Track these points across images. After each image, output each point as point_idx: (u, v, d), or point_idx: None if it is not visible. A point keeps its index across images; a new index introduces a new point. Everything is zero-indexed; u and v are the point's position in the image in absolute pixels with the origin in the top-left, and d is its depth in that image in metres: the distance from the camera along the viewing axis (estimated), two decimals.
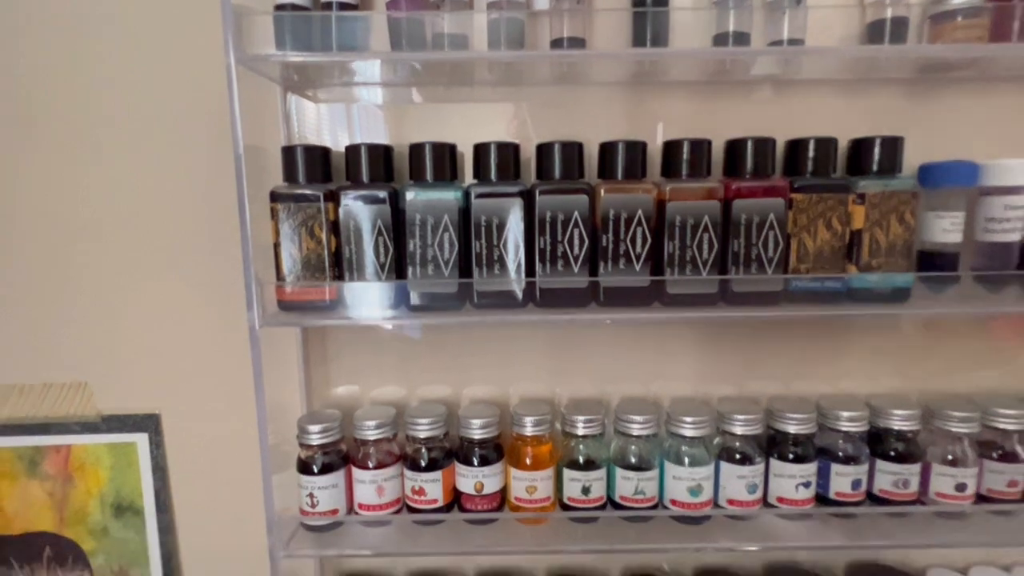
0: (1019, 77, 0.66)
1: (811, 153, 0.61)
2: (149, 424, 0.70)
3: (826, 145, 0.61)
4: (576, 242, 0.59)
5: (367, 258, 0.59)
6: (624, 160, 0.60)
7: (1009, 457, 0.65)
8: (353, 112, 0.68)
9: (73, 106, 0.67)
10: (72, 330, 0.70)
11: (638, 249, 0.59)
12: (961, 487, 0.65)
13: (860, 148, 0.61)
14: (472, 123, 0.68)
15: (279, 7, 0.59)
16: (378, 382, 0.72)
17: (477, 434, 0.65)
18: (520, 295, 0.59)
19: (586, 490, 0.65)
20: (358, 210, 0.59)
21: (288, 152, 0.60)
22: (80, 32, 0.66)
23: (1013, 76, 0.66)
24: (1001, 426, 0.65)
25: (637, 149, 0.60)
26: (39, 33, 0.66)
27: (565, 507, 0.66)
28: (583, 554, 0.73)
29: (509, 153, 0.61)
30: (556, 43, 0.60)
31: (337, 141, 0.68)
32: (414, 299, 0.60)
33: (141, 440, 0.70)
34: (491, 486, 0.65)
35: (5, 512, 0.71)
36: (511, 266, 0.59)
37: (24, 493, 0.71)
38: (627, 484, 0.65)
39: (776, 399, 0.70)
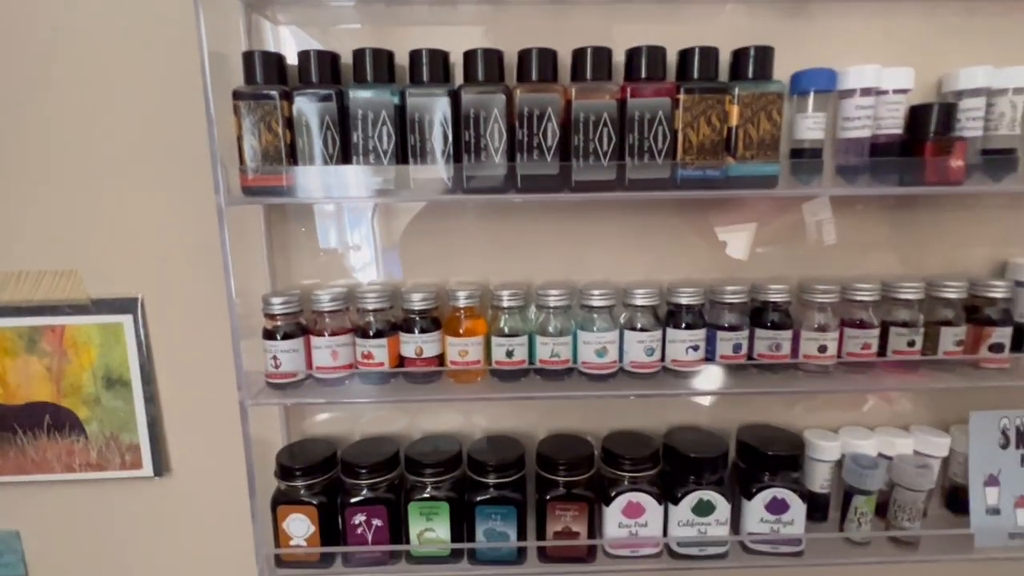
0: None
1: (696, 60, 0.71)
2: (132, 306, 0.80)
3: (708, 53, 0.71)
4: (496, 136, 0.69)
5: (316, 149, 0.69)
6: (538, 65, 0.70)
7: (864, 325, 0.78)
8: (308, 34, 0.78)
9: (54, 22, 0.76)
10: (62, 222, 0.80)
11: (548, 142, 0.70)
12: (823, 348, 0.77)
13: (738, 57, 0.72)
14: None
15: None
16: (332, 272, 0.83)
17: (417, 306, 0.76)
18: (448, 182, 0.70)
19: (510, 353, 0.76)
20: (308, 107, 0.69)
21: (248, 56, 0.70)
22: None
23: None
24: (858, 299, 0.78)
25: (548, 56, 0.70)
26: None
27: (494, 370, 0.78)
28: (509, 400, 0.85)
29: (439, 59, 0.71)
30: None
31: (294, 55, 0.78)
32: (358, 187, 0.70)
33: (127, 320, 0.81)
34: (430, 351, 0.76)
35: (8, 384, 0.81)
36: (439, 157, 0.70)
37: (24, 367, 0.81)
38: (545, 348, 0.77)
39: (674, 281, 0.82)
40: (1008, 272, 0.82)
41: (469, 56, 0.70)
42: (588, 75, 0.70)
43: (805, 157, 0.74)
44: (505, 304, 0.76)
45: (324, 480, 0.78)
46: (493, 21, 0.77)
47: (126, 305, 0.80)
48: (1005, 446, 0.82)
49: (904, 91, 0.72)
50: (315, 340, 0.76)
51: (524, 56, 0.70)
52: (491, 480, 0.78)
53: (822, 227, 0.83)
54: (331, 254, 0.83)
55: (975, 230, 0.83)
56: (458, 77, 0.73)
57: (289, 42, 0.78)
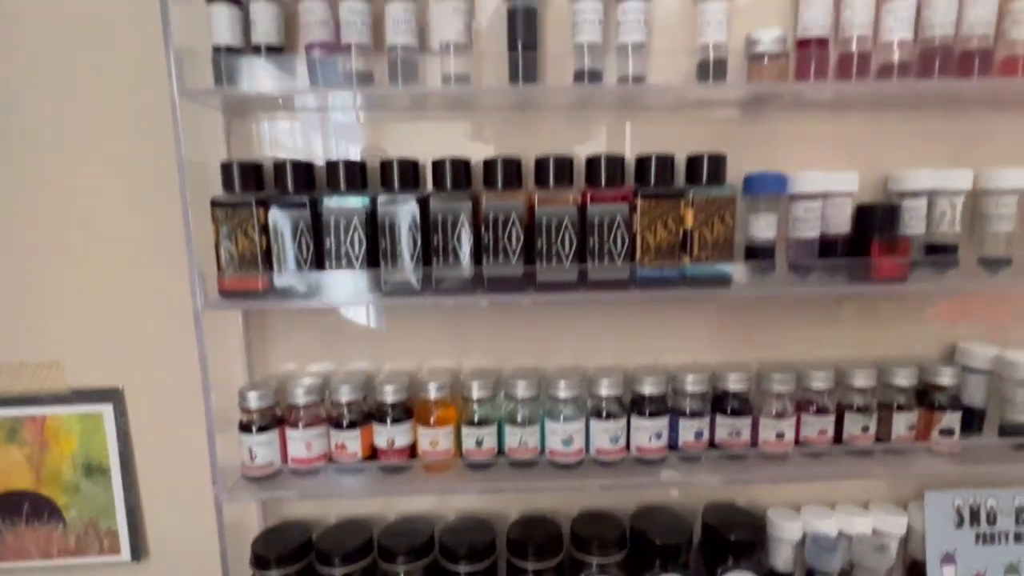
0: (822, 104, 0.81)
1: (653, 166, 0.75)
2: (113, 396, 0.83)
3: (665, 160, 0.75)
4: (463, 240, 0.73)
5: (290, 254, 0.72)
6: (502, 173, 0.74)
7: (821, 411, 0.81)
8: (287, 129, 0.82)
9: (42, 123, 0.79)
10: (45, 316, 0.82)
11: (513, 245, 0.73)
12: (781, 435, 0.80)
13: (692, 162, 0.76)
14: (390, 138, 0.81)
15: (216, 49, 0.71)
16: (309, 358, 0.85)
17: (390, 398, 0.79)
18: (417, 285, 0.73)
19: (479, 443, 0.79)
20: (283, 215, 0.72)
21: (225, 167, 0.73)
22: (42, 60, 0.78)
23: (818, 104, 0.81)
24: (814, 386, 0.81)
25: (512, 164, 0.74)
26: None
27: (464, 459, 0.80)
28: (480, 493, 0.87)
29: (408, 167, 0.74)
30: (446, 80, 0.74)
31: (276, 154, 0.81)
32: (331, 290, 0.73)
33: (107, 410, 0.83)
34: (401, 441, 0.79)
35: None
36: (408, 260, 0.73)
37: (5, 457, 0.83)
38: (513, 438, 0.79)
39: (638, 367, 0.85)
40: (956, 356, 0.86)
41: (437, 165, 0.74)
42: (551, 182, 0.74)
43: (759, 255, 0.78)
44: (475, 395, 0.79)
45: (298, 569, 0.80)
46: (469, 127, 0.81)
47: (107, 395, 0.82)
48: (960, 524, 0.85)
49: (850, 193, 0.77)
50: (290, 431, 0.78)
51: (489, 164, 0.74)
52: (462, 568, 0.79)
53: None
54: (307, 337, 0.86)
55: (924, 315, 0.87)
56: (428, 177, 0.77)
57: (267, 141, 0.82)
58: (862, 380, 0.80)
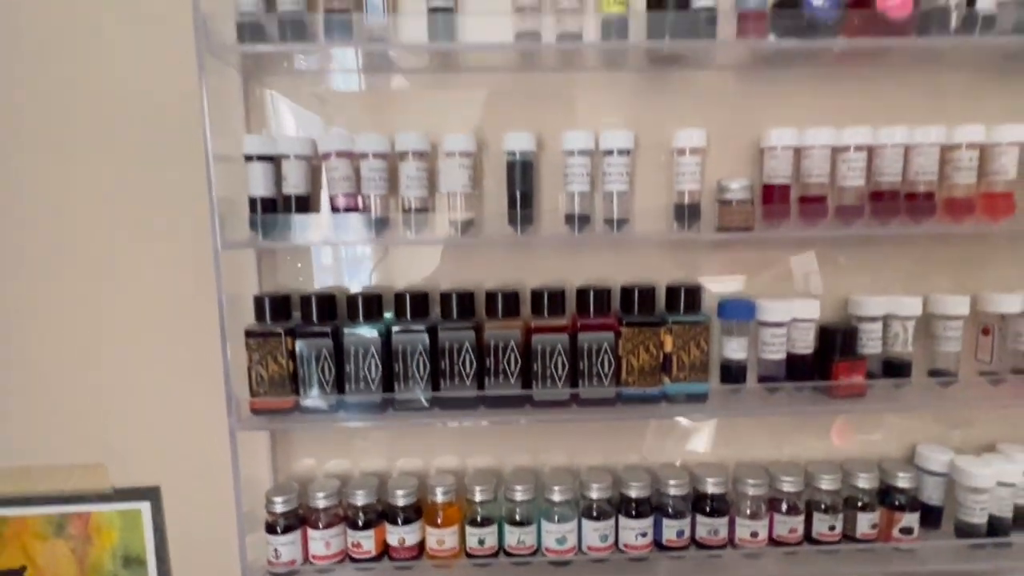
0: (780, 241, 0.90)
1: (636, 296, 0.85)
2: (151, 495, 0.91)
3: (646, 291, 0.85)
4: (467, 364, 0.82)
5: (314, 378, 0.82)
6: (502, 304, 0.84)
7: (791, 511, 0.89)
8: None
9: (97, 258, 0.89)
10: (93, 421, 0.91)
11: (512, 367, 0.82)
12: (755, 534, 0.88)
13: (671, 292, 0.85)
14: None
15: (252, 200, 0.81)
16: (328, 456, 0.94)
17: (401, 501, 0.87)
18: (426, 403, 0.82)
19: (481, 541, 0.87)
20: (308, 344, 0.81)
21: (258, 300, 0.83)
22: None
23: (778, 241, 0.91)
24: (785, 489, 0.89)
25: (511, 296, 0.84)
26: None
27: (468, 555, 0.89)
28: None
29: (420, 299, 0.84)
30: (453, 224, 0.84)
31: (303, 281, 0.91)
32: (350, 410, 0.83)
33: (145, 507, 0.91)
34: (411, 540, 0.87)
35: (38, 566, 0.91)
36: (420, 382, 0.82)
37: (52, 551, 0.91)
38: (512, 536, 0.88)
39: (625, 469, 0.93)
40: (915, 458, 0.94)
41: (445, 296, 0.84)
42: (545, 311, 0.84)
43: (732, 372, 0.87)
44: (477, 498, 0.87)
45: None
46: (467, 257, 0.91)
47: (145, 494, 0.91)
48: None
49: (812, 319, 0.86)
50: (311, 532, 0.86)
51: (491, 295, 0.84)
52: None
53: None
54: (327, 439, 0.95)
55: (883, 420, 0.96)
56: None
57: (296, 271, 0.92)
58: (828, 483, 0.89)
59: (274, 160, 0.81)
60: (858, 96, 0.87)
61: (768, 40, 0.79)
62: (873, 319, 0.87)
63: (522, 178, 0.83)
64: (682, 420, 0.95)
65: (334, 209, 0.82)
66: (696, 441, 0.95)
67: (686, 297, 0.85)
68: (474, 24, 0.80)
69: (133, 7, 0.85)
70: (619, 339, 0.83)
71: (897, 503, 0.90)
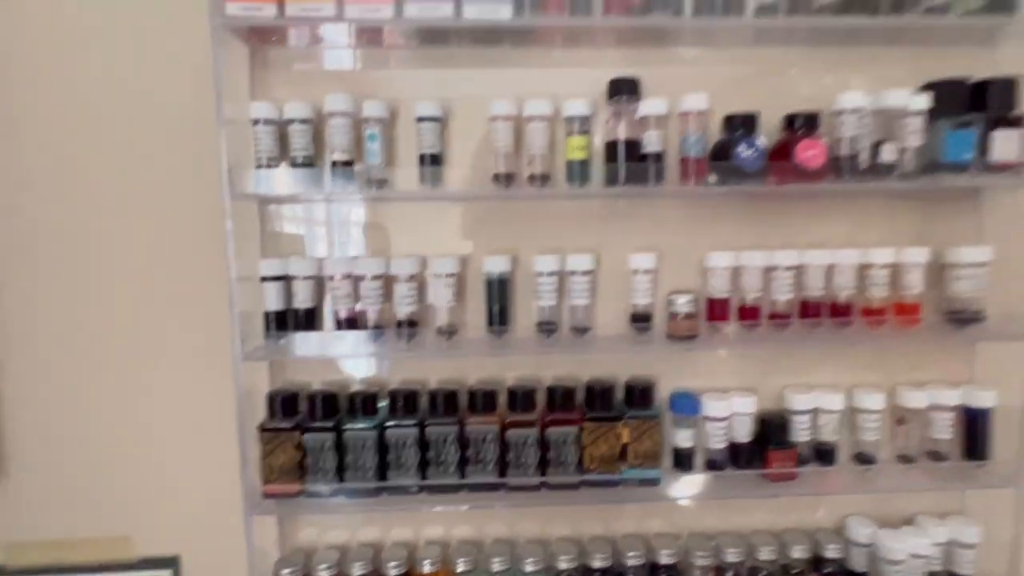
0: (729, 343, 1.03)
1: (598, 394, 0.98)
2: (172, 563, 1.03)
3: (606, 388, 0.98)
4: (451, 453, 0.95)
5: (319, 467, 0.94)
6: (482, 401, 0.97)
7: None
8: None
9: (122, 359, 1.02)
10: (120, 497, 1.03)
11: (490, 457, 0.95)
12: None
13: (628, 389, 0.99)
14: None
15: (266, 313, 0.94)
16: (330, 527, 1.06)
17: (392, 572, 0.99)
18: (415, 490, 0.95)
19: None
20: (314, 439, 0.94)
21: (270, 398, 0.95)
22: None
23: (726, 343, 1.04)
24: (729, 558, 1.02)
25: (489, 394, 0.97)
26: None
27: None
28: None
29: (411, 398, 0.97)
30: (440, 332, 0.97)
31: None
32: (354, 488, 0.95)
33: (166, 574, 1.03)
34: None
35: None
36: (410, 470, 0.95)
37: None
38: None
39: (589, 540, 1.06)
40: (844, 530, 1.07)
41: (433, 394, 0.97)
42: (519, 407, 0.97)
43: (681, 458, 1.00)
44: (459, 569, 1.00)
45: None
46: (452, 358, 1.04)
47: (167, 562, 1.03)
48: None
49: (749, 413, 0.99)
50: None
51: (472, 394, 0.97)
52: None
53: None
54: (328, 516, 1.07)
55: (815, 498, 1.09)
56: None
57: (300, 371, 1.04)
58: (766, 553, 1.02)
59: (286, 280, 0.95)
60: (787, 223, 1.02)
61: (704, 185, 0.93)
62: (803, 412, 1.00)
63: (499, 294, 0.97)
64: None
65: (337, 321, 0.96)
66: (651, 512, 1.08)
67: (640, 394, 0.98)
68: (458, 162, 0.95)
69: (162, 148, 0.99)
70: (582, 432, 0.96)
71: (828, 571, 1.03)
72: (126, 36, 0.97)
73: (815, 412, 1.01)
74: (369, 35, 0.94)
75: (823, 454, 1.01)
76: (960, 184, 0.95)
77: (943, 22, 0.93)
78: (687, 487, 1.00)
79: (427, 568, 1.00)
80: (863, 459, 1.02)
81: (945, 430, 1.01)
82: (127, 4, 0.96)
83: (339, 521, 1.06)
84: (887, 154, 0.93)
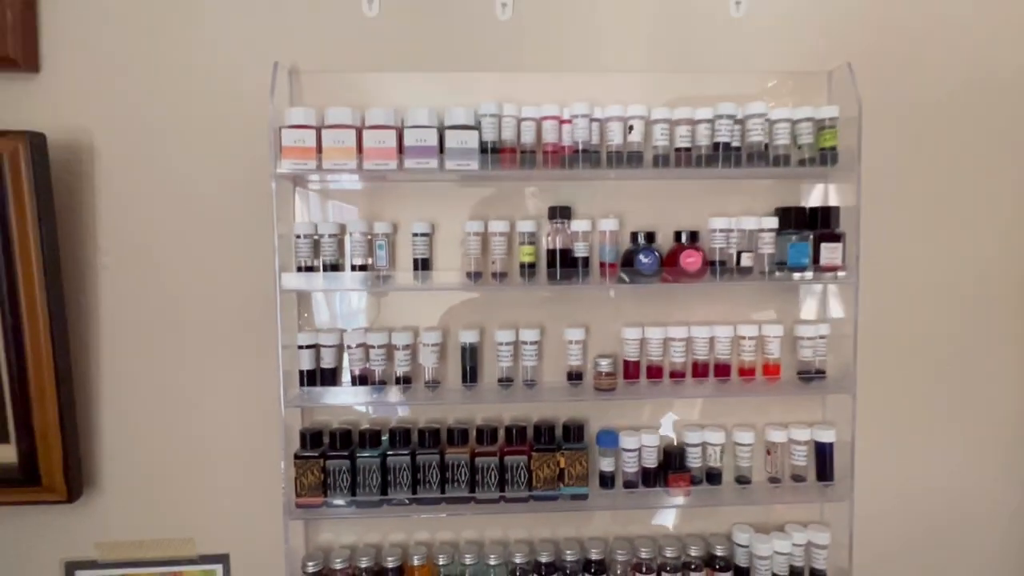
0: (636, 394, 1.39)
1: (543, 431, 1.33)
2: (223, 559, 1.36)
3: (549, 427, 1.33)
4: (435, 476, 1.29)
5: (337, 485, 1.28)
6: (458, 436, 1.31)
7: (647, 571, 1.35)
8: None
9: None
10: (186, 507, 1.37)
11: (463, 478, 1.30)
12: None
13: (565, 428, 1.33)
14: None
15: (300, 372, 1.30)
16: (344, 531, 1.40)
17: (390, 564, 1.32)
18: (407, 502, 1.29)
19: None
20: (333, 464, 1.28)
21: (302, 434, 1.30)
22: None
23: (634, 394, 1.39)
24: (642, 555, 1.35)
25: (462, 431, 1.32)
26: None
27: None
28: None
29: (406, 432, 1.31)
30: (427, 384, 1.33)
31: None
32: (363, 501, 1.29)
33: (219, 568, 1.36)
34: None
35: None
36: (405, 487, 1.29)
37: None
38: None
39: (539, 541, 1.39)
40: (731, 534, 1.41)
41: (422, 431, 1.31)
42: (485, 441, 1.32)
43: (605, 479, 1.35)
44: (441, 563, 1.33)
45: None
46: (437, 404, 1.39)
47: (219, 559, 1.36)
48: None
49: (655, 445, 1.34)
50: None
51: (451, 431, 1.32)
52: None
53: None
54: (343, 520, 1.40)
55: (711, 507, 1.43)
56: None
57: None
58: (671, 551, 1.36)
59: (315, 347, 1.30)
60: (680, 306, 1.39)
61: (617, 281, 1.30)
62: (695, 445, 1.35)
63: (470, 357, 1.33)
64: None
65: (352, 377, 1.31)
66: (584, 520, 1.42)
67: (574, 431, 1.33)
68: (442, 264, 1.32)
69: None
70: (531, 459, 1.31)
71: (717, 566, 1.36)
72: (206, 174, 1.34)
73: (704, 445, 1.36)
74: (381, 177, 1.31)
75: (712, 476, 1.36)
76: (800, 281, 1.32)
77: (784, 172, 1.32)
78: (609, 501, 1.34)
79: (416, 562, 1.33)
80: (741, 480, 1.37)
81: (802, 458, 1.37)
82: (213, 158, 1.33)
83: (351, 526, 1.40)
84: (746, 260, 1.30)
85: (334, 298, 1.38)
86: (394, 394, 1.32)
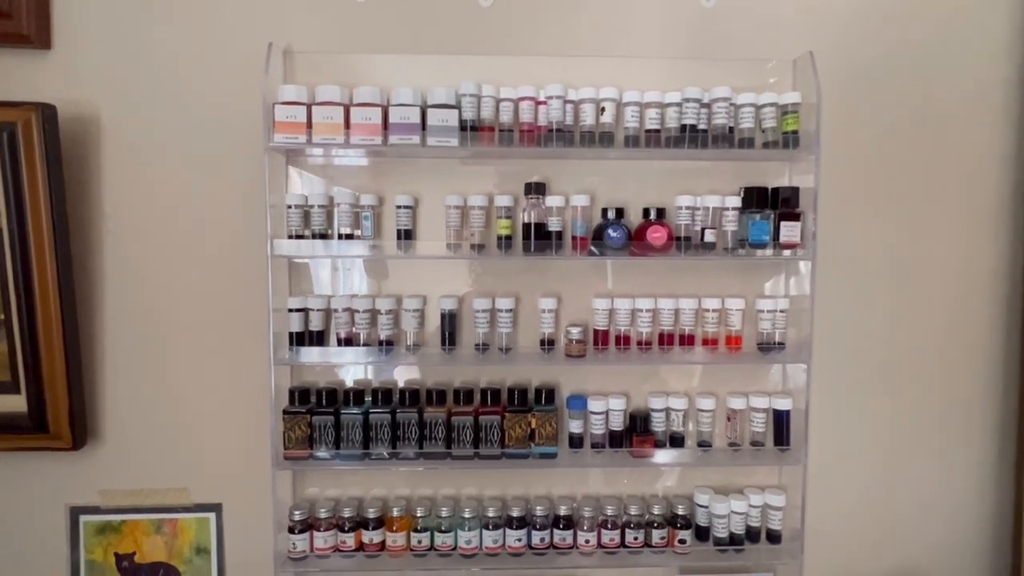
0: (608, 360, 1.47)
1: (516, 395, 1.41)
2: (216, 508, 1.46)
3: (522, 390, 1.41)
4: (413, 433, 1.38)
5: (322, 439, 1.37)
6: (436, 397, 1.40)
7: (612, 527, 1.43)
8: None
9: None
10: (182, 460, 1.46)
11: (440, 436, 1.38)
12: (588, 541, 1.42)
13: (537, 391, 1.42)
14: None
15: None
16: (328, 485, 1.49)
17: (371, 515, 1.41)
18: (387, 457, 1.38)
19: (420, 542, 1.42)
20: (319, 420, 1.37)
21: (291, 391, 1.39)
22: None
23: (606, 361, 1.47)
24: (607, 512, 1.44)
25: (440, 392, 1.40)
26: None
27: (411, 551, 1.43)
28: (416, 570, 1.48)
29: (388, 393, 1.40)
30: (408, 348, 1.41)
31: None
32: (346, 454, 1.38)
33: (212, 516, 1.46)
34: (376, 540, 1.41)
35: (143, 552, 1.45)
36: (384, 443, 1.38)
37: (153, 542, 1.45)
38: (439, 539, 1.42)
39: (512, 498, 1.48)
40: (693, 496, 1.49)
41: (402, 391, 1.40)
42: (461, 403, 1.41)
43: (573, 440, 1.43)
44: (418, 515, 1.42)
45: None
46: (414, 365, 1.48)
47: (212, 507, 1.46)
48: None
49: (623, 410, 1.43)
50: (316, 533, 1.41)
51: (429, 392, 1.41)
52: None
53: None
54: (327, 473, 1.50)
55: (676, 469, 1.52)
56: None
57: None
58: (635, 510, 1.44)
59: (303, 311, 1.39)
60: (647, 280, 1.47)
61: (587, 254, 1.38)
62: (659, 410, 1.44)
63: (449, 324, 1.42)
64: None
65: (338, 339, 1.40)
66: (555, 478, 1.51)
67: (546, 395, 1.42)
68: (426, 232, 1.41)
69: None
70: (504, 419, 1.39)
71: (678, 524, 1.45)
72: (205, 146, 1.43)
73: (667, 410, 1.45)
74: (368, 152, 1.40)
75: (675, 440, 1.45)
76: (761, 257, 1.40)
77: (747, 153, 1.40)
78: (577, 460, 1.43)
79: (396, 513, 1.42)
80: (703, 444, 1.45)
81: (760, 425, 1.45)
82: (211, 131, 1.42)
83: (335, 481, 1.50)
84: (710, 236, 1.38)
85: (322, 265, 1.47)
86: (376, 356, 1.40)
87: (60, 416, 1.35)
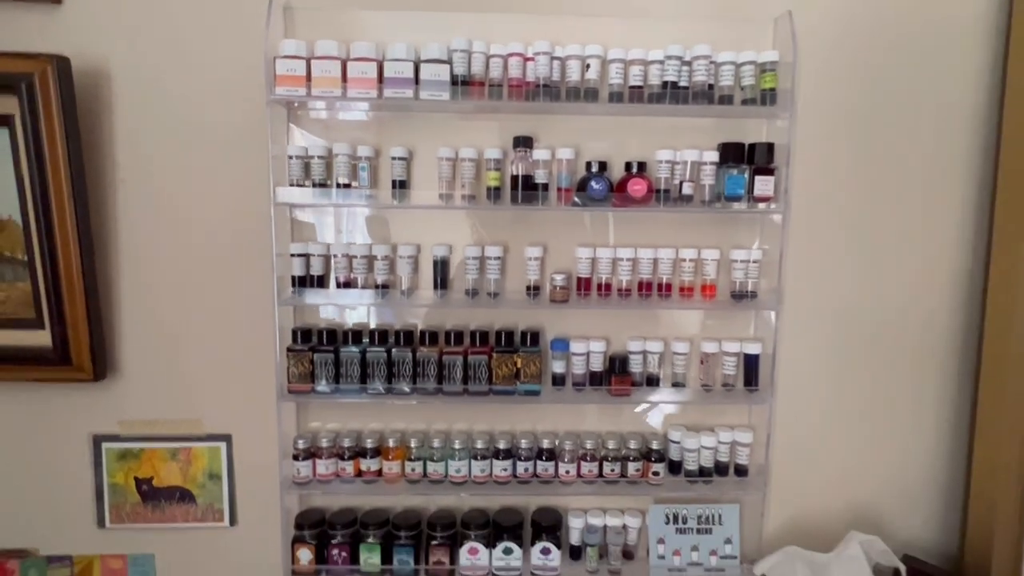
0: (589, 306, 1.57)
1: (503, 334, 1.51)
2: (226, 438, 1.58)
3: (509, 333, 1.51)
4: (408, 369, 1.49)
5: (323, 375, 1.48)
6: (428, 337, 1.50)
7: (591, 460, 1.55)
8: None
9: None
10: (196, 393, 1.58)
11: (432, 373, 1.49)
12: (568, 472, 1.55)
13: (523, 334, 1.52)
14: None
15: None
16: (329, 419, 1.61)
17: (369, 445, 1.54)
18: (383, 391, 1.49)
19: (414, 470, 1.54)
20: (320, 356, 1.48)
21: (294, 331, 1.49)
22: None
23: (587, 306, 1.57)
24: (587, 446, 1.55)
25: (433, 334, 1.51)
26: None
27: (406, 478, 1.55)
28: (411, 495, 1.61)
29: (383, 333, 1.51)
30: (402, 292, 1.51)
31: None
32: (344, 395, 1.49)
33: (223, 445, 1.58)
34: (374, 468, 1.54)
35: (160, 476, 1.58)
36: (382, 378, 1.49)
37: (169, 468, 1.58)
38: (431, 468, 1.54)
39: (499, 433, 1.60)
40: (666, 432, 1.60)
41: (396, 332, 1.51)
42: (452, 343, 1.51)
43: (556, 380, 1.54)
44: (412, 446, 1.54)
45: (319, 532, 1.54)
46: (409, 307, 1.58)
47: (223, 438, 1.58)
48: (668, 522, 1.60)
49: (603, 352, 1.53)
50: (318, 461, 1.53)
51: (423, 333, 1.51)
52: (402, 535, 1.54)
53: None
54: (328, 407, 1.61)
55: (654, 408, 1.63)
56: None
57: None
58: (612, 444, 1.56)
59: (306, 256, 1.48)
60: (628, 230, 1.56)
61: (571, 205, 1.46)
62: (636, 353, 1.54)
63: (442, 269, 1.51)
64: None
65: (337, 283, 1.50)
66: (539, 415, 1.62)
67: (531, 337, 1.52)
68: (420, 183, 1.49)
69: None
70: (491, 359, 1.50)
71: (653, 458, 1.57)
72: (210, 99, 1.50)
73: (644, 353, 1.55)
74: (365, 108, 1.47)
75: (651, 381, 1.56)
76: (736, 210, 1.48)
77: (726, 110, 1.46)
78: (559, 397, 1.54)
79: (391, 444, 1.55)
80: (676, 384, 1.56)
81: (731, 368, 1.55)
82: (216, 84, 1.50)
83: (335, 415, 1.62)
84: (688, 189, 1.46)
85: (323, 215, 1.56)
86: (373, 299, 1.50)
87: (82, 349, 1.46)
